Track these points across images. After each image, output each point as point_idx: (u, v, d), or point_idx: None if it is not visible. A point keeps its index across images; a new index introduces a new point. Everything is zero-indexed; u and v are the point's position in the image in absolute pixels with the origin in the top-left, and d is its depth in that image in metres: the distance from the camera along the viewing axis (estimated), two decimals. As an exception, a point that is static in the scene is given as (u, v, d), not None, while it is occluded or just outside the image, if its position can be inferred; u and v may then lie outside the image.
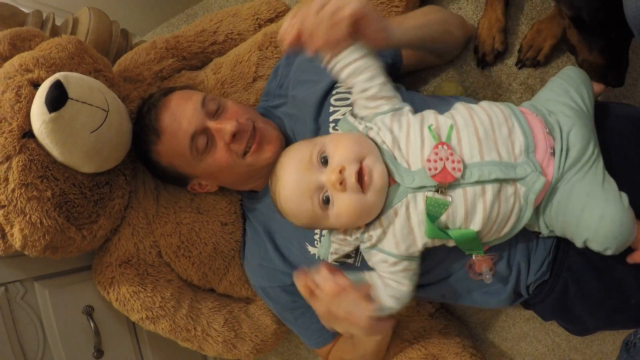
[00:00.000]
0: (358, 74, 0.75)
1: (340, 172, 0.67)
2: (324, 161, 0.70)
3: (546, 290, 0.86)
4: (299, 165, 0.71)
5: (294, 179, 0.72)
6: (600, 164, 0.72)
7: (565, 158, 0.71)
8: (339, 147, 0.69)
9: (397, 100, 0.76)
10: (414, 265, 0.76)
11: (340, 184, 0.67)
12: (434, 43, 0.99)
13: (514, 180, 0.68)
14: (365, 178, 0.67)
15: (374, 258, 0.76)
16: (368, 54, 0.76)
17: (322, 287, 0.72)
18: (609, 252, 0.68)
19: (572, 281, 0.83)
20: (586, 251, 0.77)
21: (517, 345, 1.22)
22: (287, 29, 0.73)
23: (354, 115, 0.78)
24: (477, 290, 0.88)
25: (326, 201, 0.70)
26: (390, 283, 0.75)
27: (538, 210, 0.73)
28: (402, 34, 0.80)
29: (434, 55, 1.09)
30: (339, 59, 0.75)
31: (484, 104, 0.75)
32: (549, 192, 0.71)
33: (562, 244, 0.81)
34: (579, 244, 0.71)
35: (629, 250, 0.72)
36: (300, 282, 0.74)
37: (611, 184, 0.70)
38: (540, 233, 0.78)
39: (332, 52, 0.74)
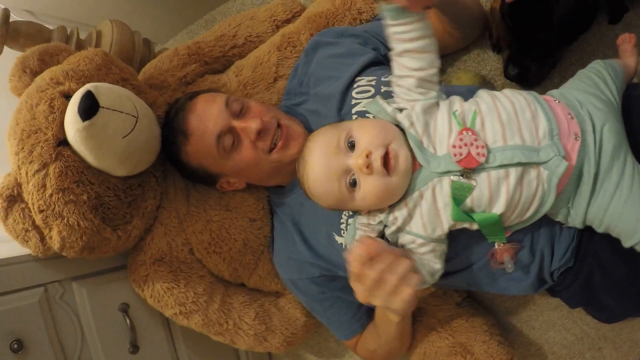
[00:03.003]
0: (420, 52, 0.73)
1: (367, 156, 0.69)
2: (351, 145, 0.72)
3: (571, 277, 0.86)
4: (326, 149, 0.73)
5: (322, 162, 0.73)
6: (631, 157, 0.72)
7: (600, 152, 0.71)
8: (365, 132, 0.71)
9: (437, 92, 0.76)
10: (442, 246, 0.77)
11: (367, 167, 0.69)
12: (459, 6, 0.99)
13: (537, 164, 0.69)
14: (392, 162, 0.69)
15: (401, 240, 0.77)
16: (431, 31, 0.74)
17: (380, 252, 0.69)
18: None
19: (597, 267, 0.83)
20: (611, 237, 0.77)
21: (545, 334, 1.20)
22: None
23: (384, 98, 0.79)
24: (501, 277, 0.89)
25: (353, 184, 0.72)
26: (423, 262, 0.76)
27: (570, 201, 0.74)
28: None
29: (456, 28, 1.05)
30: (405, 28, 0.72)
31: (507, 91, 0.76)
32: (588, 185, 0.71)
33: (586, 230, 0.80)
34: (627, 244, 0.71)
35: None
36: (356, 252, 0.70)
37: None
38: (563, 223, 0.78)
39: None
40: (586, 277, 0.85)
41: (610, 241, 0.80)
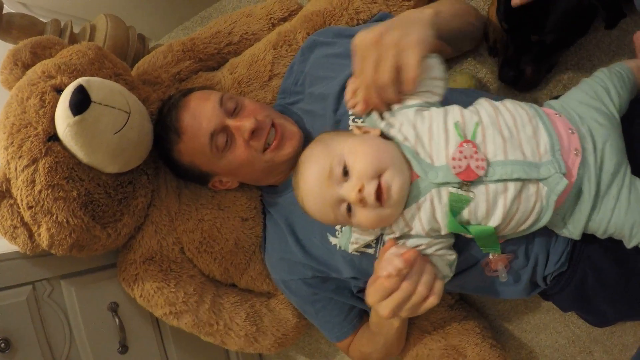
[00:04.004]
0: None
1: (360, 190, 0.67)
2: (345, 172, 0.71)
3: (564, 281, 0.86)
4: (319, 179, 0.72)
5: (316, 192, 0.73)
6: (628, 168, 0.73)
7: (600, 171, 0.71)
8: (357, 160, 0.69)
9: (438, 99, 0.76)
10: (451, 240, 0.77)
11: (360, 201, 0.68)
12: (457, 34, 0.99)
13: (537, 180, 0.68)
14: (384, 196, 0.68)
15: (407, 244, 0.76)
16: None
17: (406, 260, 0.68)
18: None
19: (591, 271, 0.83)
20: (606, 241, 0.77)
21: (536, 337, 1.21)
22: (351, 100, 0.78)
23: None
24: (494, 282, 0.89)
25: (349, 209, 0.72)
26: (439, 256, 0.76)
27: (566, 216, 0.74)
28: (440, 29, 0.77)
29: (451, 47, 1.07)
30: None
31: (508, 104, 0.75)
32: (588, 201, 0.71)
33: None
34: (630, 245, 0.72)
35: None
36: (395, 265, 0.68)
37: None
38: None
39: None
40: (579, 281, 0.85)
41: (604, 246, 0.80)
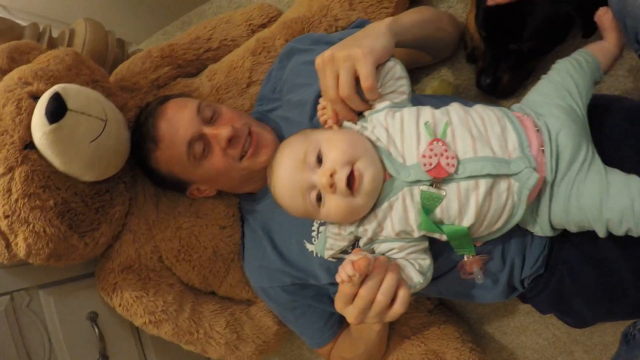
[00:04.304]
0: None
1: (332, 175, 0.68)
2: (319, 160, 0.72)
3: (542, 284, 0.87)
4: (293, 163, 0.73)
5: (288, 176, 0.73)
6: (598, 159, 0.73)
7: (557, 160, 0.72)
8: (332, 148, 0.71)
9: (407, 98, 0.78)
10: (424, 244, 0.77)
11: (331, 186, 0.68)
12: (429, 41, 1.00)
13: (507, 176, 0.69)
14: (356, 182, 0.69)
15: (380, 248, 0.76)
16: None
17: (363, 270, 0.67)
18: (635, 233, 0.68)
19: (568, 274, 0.84)
20: (582, 243, 0.79)
21: (517, 339, 1.22)
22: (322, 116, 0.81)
23: None
24: (473, 285, 0.89)
25: (319, 199, 0.72)
26: (411, 262, 0.75)
27: (534, 211, 0.74)
28: (400, 36, 0.82)
29: (427, 54, 1.10)
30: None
31: (478, 107, 0.77)
32: (547, 193, 0.72)
33: (557, 238, 0.81)
34: (602, 232, 0.71)
35: (627, 240, 0.73)
36: (347, 272, 0.68)
37: (615, 172, 0.71)
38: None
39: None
40: (557, 284, 0.86)
41: (581, 249, 0.81)
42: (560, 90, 0.79)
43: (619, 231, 0.69)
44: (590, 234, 0.73)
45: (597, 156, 0.73)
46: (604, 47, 0.86)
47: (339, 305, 0.72)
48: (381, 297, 0.68)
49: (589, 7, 0.88)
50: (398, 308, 0.69)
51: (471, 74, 1.15)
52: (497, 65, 1.02)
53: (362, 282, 0.68)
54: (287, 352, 1.45)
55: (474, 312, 1.23)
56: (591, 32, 0.97)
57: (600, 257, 0.80)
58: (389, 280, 0.68)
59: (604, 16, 0.86)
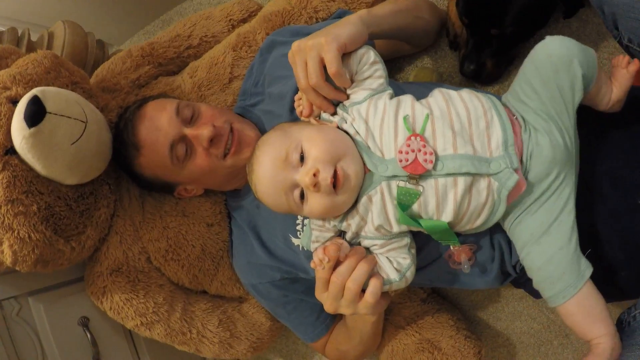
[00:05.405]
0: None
1: (315, 175, 0.67)
2: (301, 158, 0.71)
3: (532, 268, 0.87)
4: (274, 161, 0.72)
5: (270, 174, 0.72)
6: (565, 192, 0.72)
7: (526, 176, 0.71)
8: (314, 147, 0.70)
9: (384, 82, 0.77)
10: (405, 241, 0.76)
11: (314, 186, 0.67)
12: (407, 30, 0.99)
13: (487, 175, 0.68)
14: (340, 182, 0.68)
15: (364, 244, 0.76)
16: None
17: (332, 255, 0.70)
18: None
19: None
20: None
21: (512, 325, 1.23)
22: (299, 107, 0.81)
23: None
24: (464, 274, 0.89)
25: (302, 196, 0.72)
26: (390, 260, 0.75)
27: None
28: (376, 26, 0.82)
29: (408, 44, 1.09)
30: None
31: (465, 94, 0.74)
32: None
33: None
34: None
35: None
36: (317, 257, 0.72)
37: (562, 225, 0.72)
38: None
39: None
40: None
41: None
42: (549, 85, 0.73)
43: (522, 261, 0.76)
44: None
45: (566, 188, 0.72)
46: (602, 88, 0.76)
47: (317, 292, 0.74)
48: (350, 284, 0.69)
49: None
50: (368, 298, 0.71)
51: (454, 61, 1.14)
52: (480, 52, 1.02)
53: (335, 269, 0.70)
54: (282, 347, 1.45)
55: (468, 300, 1.24)
56: (572, 12, 0.97)
57: (592, 239, 0.79)
58: (360, 268, 0.70)
59: (621, 70, 0.75)
